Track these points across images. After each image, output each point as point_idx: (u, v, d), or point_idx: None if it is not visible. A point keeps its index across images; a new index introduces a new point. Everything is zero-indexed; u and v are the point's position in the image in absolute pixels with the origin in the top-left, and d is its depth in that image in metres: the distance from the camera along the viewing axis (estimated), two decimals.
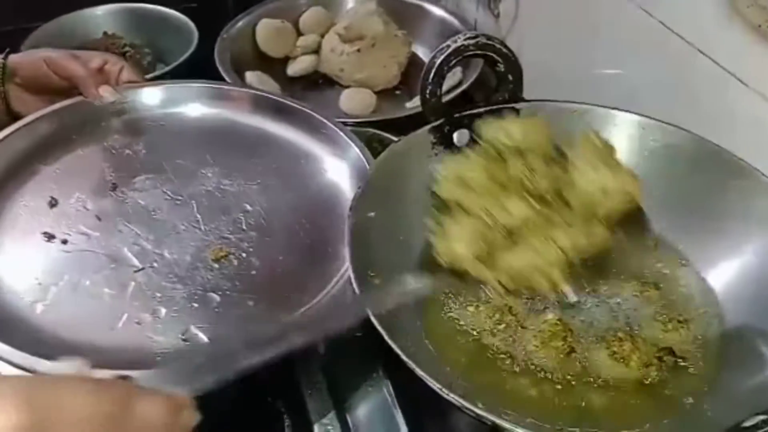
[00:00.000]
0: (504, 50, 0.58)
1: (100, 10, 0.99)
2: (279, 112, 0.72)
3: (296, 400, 0.56)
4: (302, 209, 0.63)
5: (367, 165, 0.63)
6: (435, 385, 0.42)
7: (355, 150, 0.66)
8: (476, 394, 0.47)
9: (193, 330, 0.53)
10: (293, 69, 0.96)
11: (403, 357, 0.43)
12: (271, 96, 0.75)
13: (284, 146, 0.70)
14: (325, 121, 0.69)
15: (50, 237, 0.60)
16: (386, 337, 0.44)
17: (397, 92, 0.94)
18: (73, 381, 0.36)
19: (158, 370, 0.49)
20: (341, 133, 0.67)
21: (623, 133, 0.59)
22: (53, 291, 0.56)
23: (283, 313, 0.54)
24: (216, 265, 0.58)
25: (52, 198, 0.63)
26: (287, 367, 0.58)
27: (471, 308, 0.54)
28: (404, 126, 0.77)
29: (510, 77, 0.59)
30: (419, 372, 0.42)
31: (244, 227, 0.61)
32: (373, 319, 0.45)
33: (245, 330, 0.53)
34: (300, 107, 0.71)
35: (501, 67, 0.59)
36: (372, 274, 0.50)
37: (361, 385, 0.58)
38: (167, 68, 0.91)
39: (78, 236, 0.60)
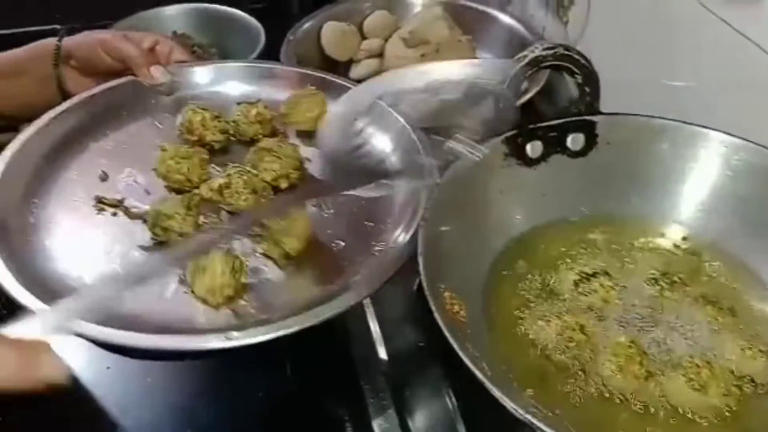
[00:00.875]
0: (582, 61, 0.57)
1: (170, 9, 1.00)
2: (325, 90, 0.72)
3: (359, 407, 0.56)
4: None
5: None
6: (509, 405, 0.41)
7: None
8: (547, 413, 0.46)
9: (241, 302, 0.54)
10: (357, 72, 0.96)
11: (478, 374, 0.42)
12: (318, 74, 0.75)
13: None
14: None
15: (101, 209, 0.61)
16: (459, 352, 0.43)
17: None
18: None
19: None
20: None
21: (706, 151, 0.58)
22: (103, 261, 0.56)
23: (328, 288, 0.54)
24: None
25: (103, 172, 0.65)
26: (350, 375, 0.58)
27: (541, 322, 0.53)
28: None
29: (587, 89, 0.58)
30: (495, 392, 0.41)
31: None
32: (445, 332, 0.45)
33: (293, 302, 0.53)
34: (343, 83, 0.73)
35: (578, 79, 0.58)
36: (442, 287, 0.50)
37: (424, 394, 0.57)
38: None
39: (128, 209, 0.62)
